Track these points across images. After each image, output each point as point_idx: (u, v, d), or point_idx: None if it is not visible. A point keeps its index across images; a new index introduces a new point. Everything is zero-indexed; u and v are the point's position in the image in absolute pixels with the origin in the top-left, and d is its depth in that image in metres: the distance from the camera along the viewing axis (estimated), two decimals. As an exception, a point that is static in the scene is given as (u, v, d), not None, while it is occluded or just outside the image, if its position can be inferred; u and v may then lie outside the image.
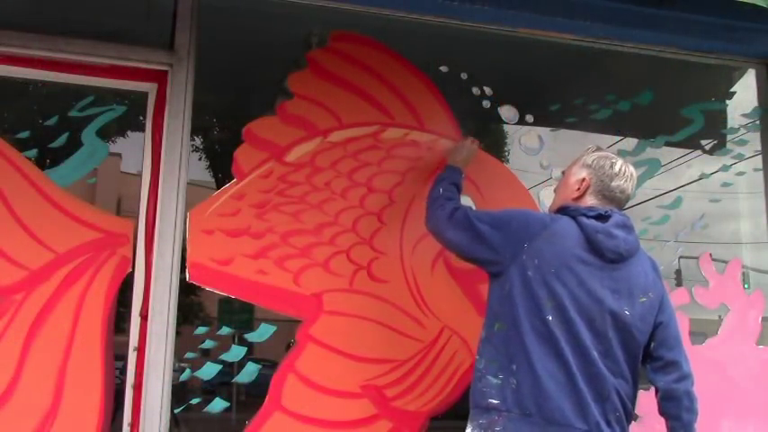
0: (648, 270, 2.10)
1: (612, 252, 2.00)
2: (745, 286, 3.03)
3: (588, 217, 2.03)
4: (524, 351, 1.90)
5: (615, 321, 1.97)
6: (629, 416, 1.99)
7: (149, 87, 2.47)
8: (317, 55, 2.65)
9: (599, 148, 2.21)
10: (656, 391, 2.05)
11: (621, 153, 2.99)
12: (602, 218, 2.04)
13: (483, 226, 2.06)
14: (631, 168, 2.15)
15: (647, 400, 2.75)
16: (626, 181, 2.12)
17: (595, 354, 1.92)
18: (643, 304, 2.03)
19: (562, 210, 2.12)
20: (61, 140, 2.40)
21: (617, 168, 2.11)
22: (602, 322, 1.95)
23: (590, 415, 1.86)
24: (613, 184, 2.10)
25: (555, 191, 2.27)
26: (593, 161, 2.13)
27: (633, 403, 2.02)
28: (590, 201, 2.10)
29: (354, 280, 2.51)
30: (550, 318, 1.91)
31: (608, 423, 1.90)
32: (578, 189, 2.11)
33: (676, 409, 2.02)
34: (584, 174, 2.12)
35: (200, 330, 2.44)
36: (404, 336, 2.53)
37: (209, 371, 2.34)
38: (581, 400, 1.87)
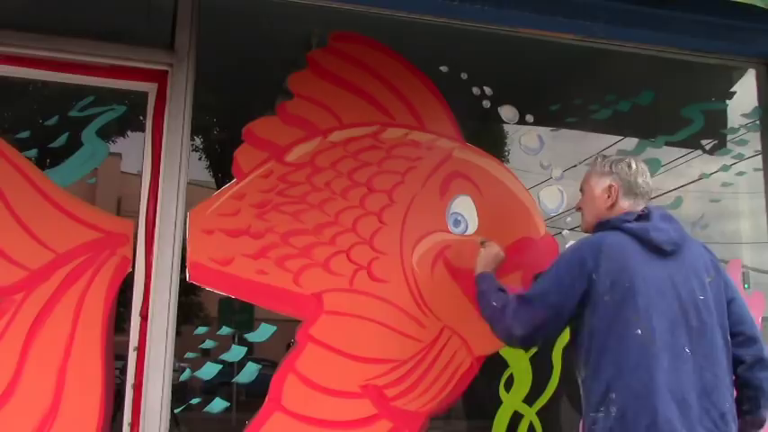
0: (702, 251, 2.12)
1: (669, 243, 2.01)
2: (745, 286, 3.03)
3: (630, 222, 2.05)
4: (620, 375, 1.87)
5: (697, 311, 1.96)
6: (730, 410, 1.95)
7: (149, 87, 2.47)
8: (316, 55, 2.65)
9: (604, 156, 2.25)
10: (740, 363, 2.04)
11: (621, 153, 3.00)
12: (643, 217, 2.07)
13: (544, 300, 2.02)
14: (642, 163, 2.20)
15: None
16: (646, 175, 2.17)
17: (688, 352, 1.91)
18: (711, 285, 2.03)
19: (601, 225, 2.12)
20: (61, 140, 2.40)
21: (635, 166, 2.15)
22: (686, 316, 1.94)
23: (693, 420, 1.85)
24: (639, 180, 2.14)
25: (579, 210, 2.27)
26: (611, 167, 2.17)
27: (732, 394, 2.00)
28: (624, 203, 2.12)
29: (354, 280, 2.51)
30: (640, 332, 1.89)
31: (713, 422, 1.89)
32: (609, 197, 2.14)
33: (765, 380, 2.04)
34: (608, 181, 2.15)
35: (200, 330, 2.44)
36: (404, 336, 2.53)
37: (209, 371, 2.34)
38: (684, 404, 1.85)
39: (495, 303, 2.13)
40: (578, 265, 1.99)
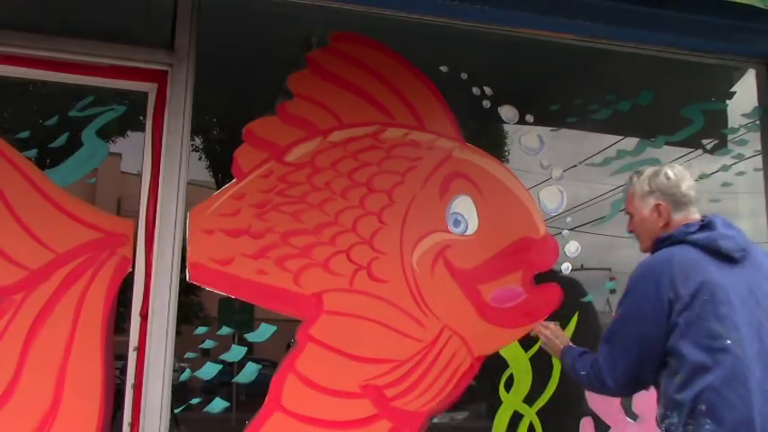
0: (763, 255, 2.05)
1: (738, 251, 1.94)
2: (745, 286, 3.03)
3: (695, 233, 1.96)
4: (713, 388, 1.80)
5: None
6: None
7: (149, 87, 2.47)
8: (316, 55, 2.65)
9: (638, 173, 2.13)
10: None
11: (621, 153, 3.00)
12: (705, 226, 1.98)
13: (629, 337, 1.92)
14: (679, 167, 2.10)
15: (645, 400, 2.76)
16: (687, 180, 2.06)
17: None
18: None
19: (662, 242, 2.02)
20: (61, 140, 2.40)
21: (673, 175, 2.05)
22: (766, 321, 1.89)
23: None
24: (683, 188, 2.04)
25: (633, 233, 2.17)
26: (650, 185, 2.06)
27: None
28: (677, 217, 2.02)
29: (354, 280, 2.51)
30: (729, 342, 1.82)
31: None
32: (659, 216, 2.04)
33: None
34: (652, 200, 2.04)
35: (200, 330, 2.44)
36: (404, 336, 2.53)
37: (209, 371, 2.34)
38: None
39: (583, 372, 2.03)
40: (654, 288, 1.90)
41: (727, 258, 1.94)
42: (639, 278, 1.97)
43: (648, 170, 2.12)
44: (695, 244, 1.94)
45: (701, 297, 1.86)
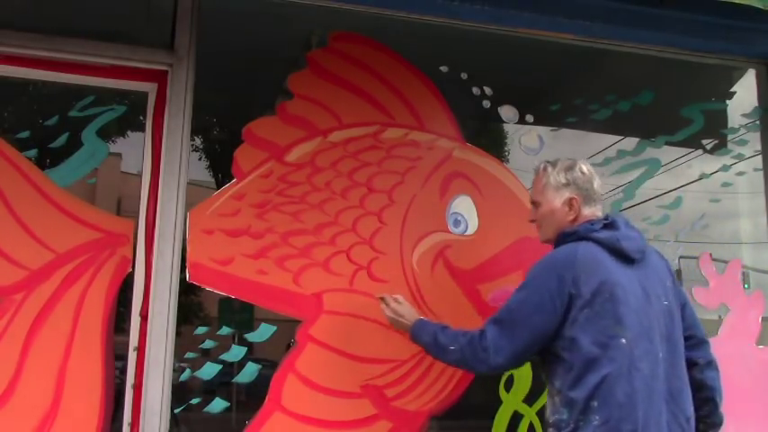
0: (659, 257, 2.13)
1: (637, 252, 2.00)
2: (746, 286, 3.03)
3: (599, 231, 2.01)
4: (605, 384, 1.84)
5: (664, 317, 1.98)
6: (692, 413, 1.98)
7: (149, 87, 2.47)
8: (316, 55, 2.65)
9: (550, 163, 2.15)
10: (693, 365, 2.05)
11: (621, 153, 3.00)
12: (609, 225, 2.03)
13: (528, 322, 1.94)
14: (590, 165, 2.16)
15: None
16: (597, 178, 2.12)
17: (661, 357, 1.92)
18: (670, 290, 2.05)
19: (566, 236, 2.05)
20: (61, 140, 2.40)
21: (587, 171, 2.11)
22: (658, 322, 1.96)
23: (663, 425, 1.87)
24: (595, 185, 2.10)
25: (534, 222, 2.19)
26: (566, 177, 2.10)
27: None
28: (585, 212, 2.07)
29: (354, 280, 2.51)
30: (624, 341, 1.87)
31: (681, 427, 1.92)
32: (570, 209, 2.08)
33: (717, 380, 2.09)
34: (567, 193, 2.08)
35: (200, 330, 2.44)
36: (404, 336, 2.53)
37: (209, 371, 2.34)
38: (658, 410, 1.87)
39: (452, 347, 2.01)
40: (557, 281, 1.92)
41: (626, 258, 1.98)
42: (542, 270, 1.99)
43: (563, 162, 2.14)
44: (598, 242, 1.99)
45: (602, 295, 1.90)
